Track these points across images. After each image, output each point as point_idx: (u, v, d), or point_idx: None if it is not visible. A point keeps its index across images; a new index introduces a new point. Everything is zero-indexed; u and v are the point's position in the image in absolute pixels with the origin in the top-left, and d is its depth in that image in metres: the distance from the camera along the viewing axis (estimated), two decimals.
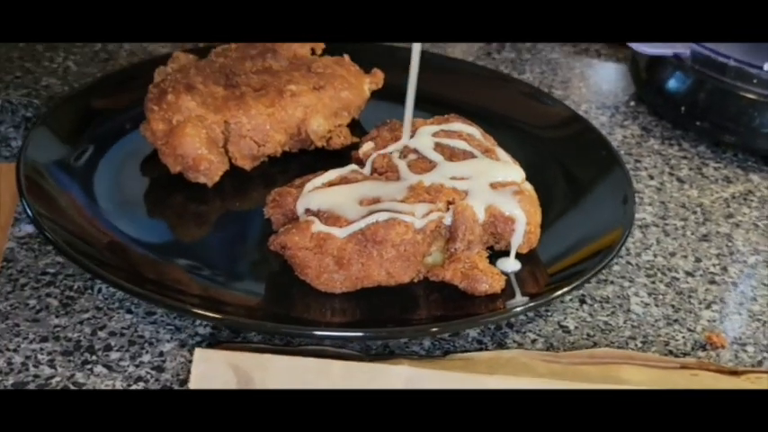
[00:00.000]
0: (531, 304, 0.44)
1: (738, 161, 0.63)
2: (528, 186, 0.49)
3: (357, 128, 0.59)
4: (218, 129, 0.52)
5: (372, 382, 0.36)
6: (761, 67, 0.60)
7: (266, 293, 0.45)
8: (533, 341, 0.45)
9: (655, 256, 0.53)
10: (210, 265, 0.46)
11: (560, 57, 0.75)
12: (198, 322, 0.44)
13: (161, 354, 0.42)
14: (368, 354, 0.43)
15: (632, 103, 0.69)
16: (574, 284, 0.45)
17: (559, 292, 0.45)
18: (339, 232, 0.44)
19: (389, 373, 0.37)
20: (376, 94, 0.60)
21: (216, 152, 0.52)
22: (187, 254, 0.47)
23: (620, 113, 0.68)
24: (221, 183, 0.53)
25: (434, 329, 0.44)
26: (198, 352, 0.36)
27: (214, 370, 0.36)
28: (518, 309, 0.44)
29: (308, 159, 0.56)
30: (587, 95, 0.70)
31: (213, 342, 0.43)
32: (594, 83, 0.72)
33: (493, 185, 0.48)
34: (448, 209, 0.46)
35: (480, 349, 0.45)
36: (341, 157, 0.54)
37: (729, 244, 0.54)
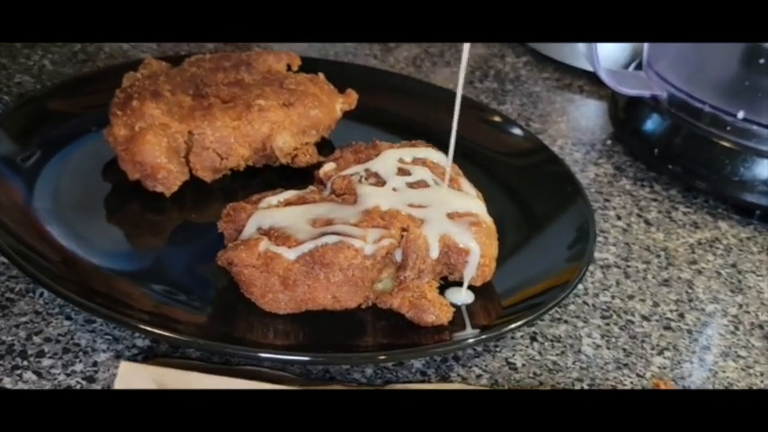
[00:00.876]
0: (480, 337, 0.44)
1: (709, 207, 0.62)
2: (487, 219, 0.48)
3: (327, 147, 0.58)
4: (181, 138, 0.52)
5: None
6: (735, 116, 0.60)
7: (210, 310, 0.44)
8: (478, 376, 0.45)
9: (612, 297, 0.52)
10: (158, 276, 0.46)
11: (542, 90, 0.75)
12: (137, 334, 0.43)
13: (94, 364, 0.41)
14: (308, 378, 0.42)
15: (609, 142, 0.69)
16: (524, 320, 0.45)
17: (509, 327, 0.44)
18: (287, 252, 0.43)
19: None
20: (350, 115, 0.60)
21: (176, 162, 0.51)
22: (135, 263, 0.47)
23: (596, 151, 0.68)
24: (181, 193, 0.52)
25: (378, 357, 0.43)
26: (123, 365, 0.35)
27: (138, 385, 0.35)
28: (465, 341, 0.44)
29: (272, 176, 0.55)
30: (564, 131, 0.70)
31: (150, 355, 0.42)
32: (573, 118, 0.72)
33: (450, 215, 0.47)
34: (402, 236, 0.45)
35: (423, 381, 0.44)
36: (306, 175, 0.54)
37: (690, 290, 0.54)
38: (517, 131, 0.62)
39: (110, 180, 0.53)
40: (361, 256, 0.43)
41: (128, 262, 0.46)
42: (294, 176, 0.54)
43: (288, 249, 0.43)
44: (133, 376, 0.35)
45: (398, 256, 0.45)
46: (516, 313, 0.45)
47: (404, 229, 0.45)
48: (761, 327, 0.51)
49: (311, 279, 0.43)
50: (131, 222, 0.50)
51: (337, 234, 0.44)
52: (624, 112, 0.67)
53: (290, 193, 0.48)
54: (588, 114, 0.73)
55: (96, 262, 0.45)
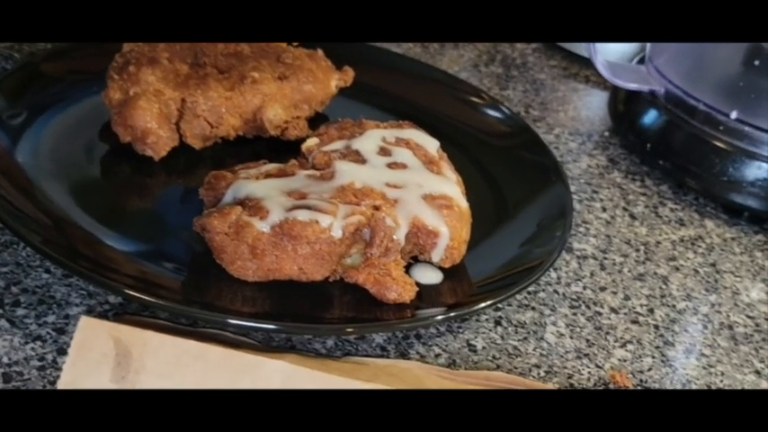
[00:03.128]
0: (447, 315, 0.45)
1: (698, 206, 0.63)
2: (461, 203, 0.49)
3: (321, 122, 0.59)
4: (174, 105, 0.53)
5: (247, 373, 0.37)
6: (728, 115, 0.60)
7: (184, 273, 0.46)
8: (437, 355, 0.46)
9: (584, 288, 0.53)
10: (138, 237, 0.47)
11: (547, 78, 0.75)
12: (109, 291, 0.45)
13: (66, 316, 0.43)
14: (269, 345, 0.44)
15: (606, 134, 0.69)
16: (488, 302, 0.45)
17: (473, 308, 0.45)
18: (258, 222, 0.44)
19: (265, 367, 0.37)
20: (346, 92, 0.61)
21: (166, 128, 0.53)
22: (117, 223, 0.48)
23: (592, 142, 0.68)
24: (171, 159, 0.54)
25: (345, 329, 0.44)
26: (83, 320, 0.37)
27: (95, 339, 0.37)
28: (429, 318, 0.45)
29: (261, 147, 0.57)
30: (563, 120, 0.70)
31: (121, 312, 0.44)
32: (574, 108, 0.72)
33: (424, 197, 0.48)
34: (373, 214, 0.46)
35: (382, 356, 0.45)
36: (296, 148, 0.55)
37: (663, 287, 0.54)
38: (503, 114, 0.62)
39: (105, 141, 0.55)
40: (329, 232, 0.44)
41: (110, 222, 0.48)
42: (284, 149, 0.55)
43: (259, 220, 0.45)
44: (91, 331, 0.37)
45: (367, 234, 0.46)
46: (482, 294, 0.46)
47: (376, 208, 0.46)
48: (730, 327, 0.52)
49: (279, 250, 0.44)
50: (119, 183, 0.52)
51: (308, 208, 0.45)
52: (623, 105, 0.67)
53: (271, 166, 0.50)
54: (590, 105, 0.74)
55: (78, 220, 0.47)
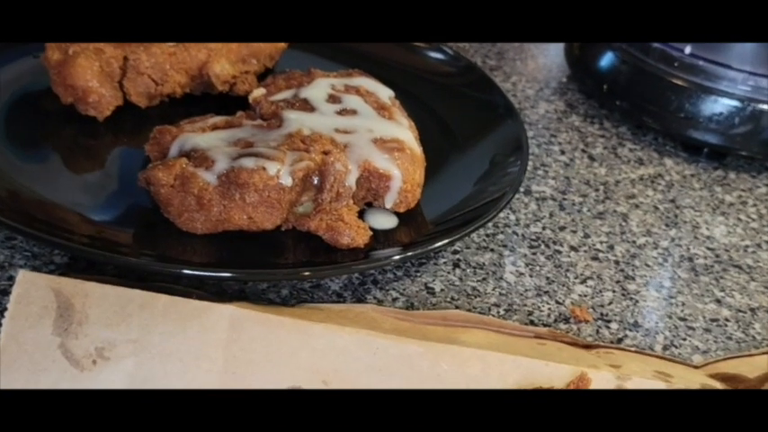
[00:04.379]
0: (396, 257, 0.44)
1: (657, 145, 0.62)
2: (413, 146, 0.48)
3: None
4: (116, 63, 0.52)
5: (195, 318, 0.36)
6: (682, 51, 0.59)
7: (131, 230, 0.45)
8: (394, 299, 0.45)
9: (543, 228, 0.52)
10: (84, 197, 0.46)
11: None
12: (56, 252, 0.44)
13: (10, 278, 0.42)
14: (221, 297, 0.43)
15: (564, 80, 0.68)
16: (445, 240, 0.45)
17: (429, 247, 0.44)
18: (203, 173, 0.43)
19: (213, 312, 0.36)
20: (298, 47, 0.60)
21: (109, 86, 0.51)
22: (63, 184, 0.47)
23: (549, 88, 0.67)
24: (117, 119, 0.52)
25: (302, 273, 0.43)
26: (21, 273, 0.36)
27: (35, 292, 0.36)
28: (388, 258, 0.44)
29: (210, 104, 0.55)
30: (520, 68, 0.69)
31: (66, 272, 0.43)
32: (531, 56, 0.72)
33: (375, 141, 0.47)
34: (322, 159, 0.45)
35: (339, 302, 0.44)
36: (246, 104, 0.54)
37: (623, 224, 0.54)
38: (449, 56, 0.61)
39: (47, 104, 0.53)
40: (277, 179, 0.43)
41: (55, 183, 0.47)
42: (233, 105, 0.54)
43: (204, 170, 0.43)
44: (30, 284, 0.36)
45: (318, 180, 0.45)
46: (439, 234, 0.45)
47: (325, 153, 0.45)
48: (690, 259, 0.51)
49: (227, 199, 0.43)
50: (64, 146, 0.50)
51: (255, 155, 0.44)
52: (579, 50, 0.67)
53: (218, 118, 0.49)
54: (548, 53, 0.73)
55: (23, 181, 0.46)
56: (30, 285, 0.36)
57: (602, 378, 0.38)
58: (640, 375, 0.39)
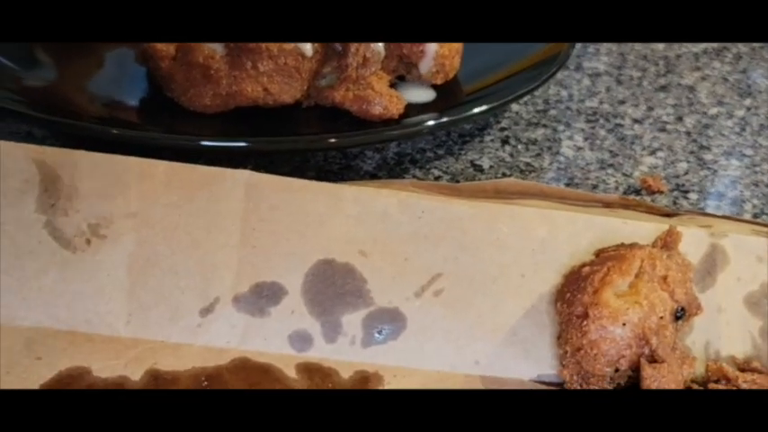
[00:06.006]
0: (431, 123, 0.37)
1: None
2: None
3: None
4: None
5: (203, 187, 0.30)
6: None
7: (134, 109, 0.39)
8: (437, 178, 0.39)
9: (601, 102, 0.46)
10: (78, 79, 0.40)
11: None
12: (47, 143, 0.38)
13: None
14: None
15: None
16: (484, 108, 0.38)
17: (472, 112, 0.38)
18: None
19: (225, 178, 0.31)
20: None
21: None
22: (60, 71, 0.41)
23: None
24: None
25: (328, 141, 0.36)
26: (2, 144, 0.30)
27: (14, 164, 0.30)
28: (423, 125, 0.37)
29: None
30: None
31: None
32: None
33: None
34: None
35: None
36: None
37: (690, 96, 0.47)
38: None
39: None
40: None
41: (50, 67, 0.41)
42: None
43: None
44: (8, 157, 0.30)
45: (340, 45, 0.39)
46: (480, 99, 0.39)
47: None
48: None
49: (237, 69, 0.37)
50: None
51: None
52: None
53: None
54: None
55: (25, 72, 0.40)
56: (7, 157, 0.30)
57: (693, 234, 0.32)
58: (737, 232, 0.32)
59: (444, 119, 0.37)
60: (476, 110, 0.38)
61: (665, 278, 0.29)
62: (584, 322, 0.28)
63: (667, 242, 0.31)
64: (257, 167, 0.38)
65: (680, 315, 0.29)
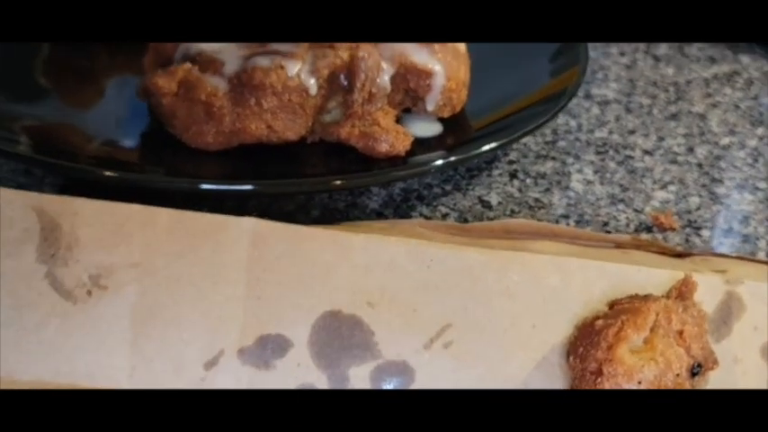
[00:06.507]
0: (439, 162, 0.37)
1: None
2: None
3: None
4: None
5: (207, 237, 0.30)
6: None
7: (134, 148, 0.38)
8: (444, 215, 0.38)
9: (610, 133, 0.45)
10: (76, 117, 0.40)
11: None
12: (46, 181, 0.38)
13: None
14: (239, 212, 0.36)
15: None
16: (493, 145, 0.37)
17: (481, 150, 0.37)
18: (211, 77, 0.37)
19: (230, 227, 0.30)
20: None
21: None
22: (58, 107, 0.41)
23: None
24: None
25: (333, 183, 0.35)
26: (1, 191, 0.30)
27: (12, 213, 0.29)
28: (423, 164, 0.37)
29: None
30: None
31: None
32: None
33: None
34: (350, 55, 0.38)
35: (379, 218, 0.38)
36: None
37: (701, 124, 0.46)
38: None
39: None
40: (298, 79, 0.37)
41: (47, 105, 0.41)
42: None
43: (212, 74, 0.37)
44: (7, 205, 0.30)
45: (346, 81, 0.38)
46: (489, 135, 0.38)
47: (352, 50, 0.39)
48: None
49: (240, 106, 0.37)
50: (59, 68, 0.44)
51: (271, 54, 0.37)
52: None
53: None
54: None
55: (23, 109, 0.39)
56: (6, 205, 0.29)
57: (708, 282, 0.31)
58: (753, 279, 0.32)
59: (452, 158, 0.37)
60: (485, 147, 0.37)
61: (680, 333, 0.28)
62: (599, 379, 0.28)
63: (682, 292, 0.30)
64: (261, 205, 0.37)
65: (696, 371, 0.28)
